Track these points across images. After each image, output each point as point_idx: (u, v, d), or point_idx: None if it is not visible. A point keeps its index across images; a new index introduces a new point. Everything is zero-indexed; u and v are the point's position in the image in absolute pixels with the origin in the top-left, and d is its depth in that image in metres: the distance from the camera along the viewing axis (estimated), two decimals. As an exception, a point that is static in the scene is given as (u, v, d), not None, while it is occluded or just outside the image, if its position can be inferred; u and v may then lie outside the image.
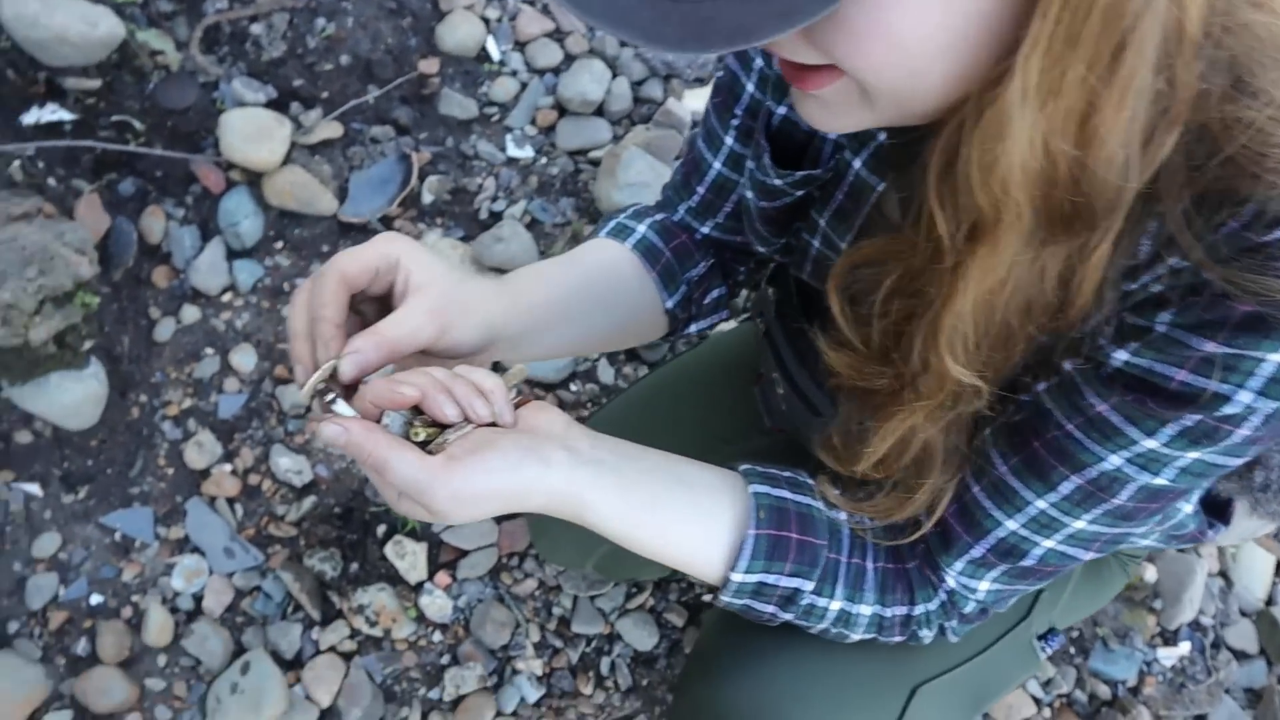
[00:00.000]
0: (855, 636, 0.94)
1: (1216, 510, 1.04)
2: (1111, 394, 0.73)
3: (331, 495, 1.84)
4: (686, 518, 0.87)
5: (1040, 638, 1.18)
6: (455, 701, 1.71)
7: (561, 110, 2.18)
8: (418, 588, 1.78)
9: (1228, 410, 0.67)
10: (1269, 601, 1.88)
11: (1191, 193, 0.64)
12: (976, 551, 0.87)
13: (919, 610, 0.92)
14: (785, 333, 1.12)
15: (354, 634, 1.75)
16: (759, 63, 1.03)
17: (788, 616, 0.92)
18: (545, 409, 0.85)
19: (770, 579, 0.88)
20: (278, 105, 2.07)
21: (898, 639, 0.95)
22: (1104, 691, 1.78)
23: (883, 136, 0.89)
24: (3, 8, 1.82)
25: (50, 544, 1.78)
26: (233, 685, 1.67)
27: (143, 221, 1.98)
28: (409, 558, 1.77)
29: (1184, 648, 1.82)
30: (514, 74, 2.21)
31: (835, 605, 0.90)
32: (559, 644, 1.76)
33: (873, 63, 0.61)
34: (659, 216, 1.18)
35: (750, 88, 1.05)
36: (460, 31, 2.17)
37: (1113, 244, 0.66)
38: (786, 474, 0.94)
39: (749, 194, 1.05)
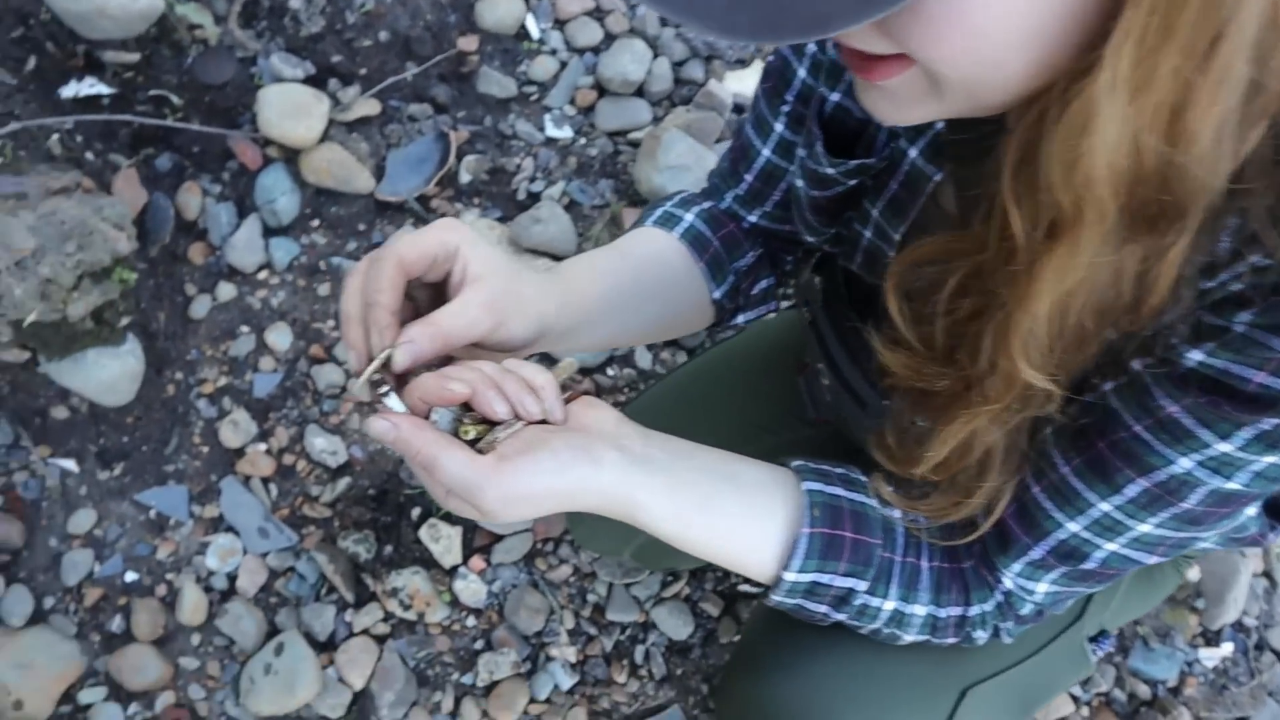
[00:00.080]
0: (908, 638, 0.92)
1: (1277, 512, 1.01)
2: (1184, 395, 0.70)
3: (366, 477, 1.83)
4: (739, 517, 0.86)
5: (1091, 640, 1.16)
6: (489, 687, 1.70)
7: (601, 90, 2.15)
8: (452, 572, 1.77)
9: None
10: (1315, 603, 1.85)
11: (1278, 189, 0.61)
12: (1036, 553, 0.85)
13: (974, 611, 0.90)
14: (833, 324, 1.10)
15: (387, 617, 1.74)
16: (811, 47, 1.00)
17: (840, 617, 0.90)
18: (596, 405, 0.83)
19: (824, 578, 0.87)
20: (316, 81, 2.05)
21: (951, 640, 0.93)
22: (1144, 691, 1.75)
23: (940, 125, 0.87)
24: (43, -20, 1.81)
25: (86, 520, 1.78)
26: (266, 666, 1.66)
27: (179, 197, 1.97)
28: (443, 541, 1.76)
29: (1226, 648, 1.79)
30: (553, 53, 2.19)
31: (889, 605, 0.89)
32: (593, 631, 1.75)
33: (949, 53, 0.59)
34: (706, 205, 1.16)
35: (802, 73, 1.02)
36: (500, 9, 2.15)
37: (1191, 240, 0.64)
38: (839, 470, 0.92)
39: (799, 182, 1.03)
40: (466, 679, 1.72)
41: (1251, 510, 0.97)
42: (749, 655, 1.14)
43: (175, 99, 1.97)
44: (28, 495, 1.77)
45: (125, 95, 1.94)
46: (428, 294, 0.87)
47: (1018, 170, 0.65)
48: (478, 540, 1.79)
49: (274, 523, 1.79)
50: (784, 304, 1.50)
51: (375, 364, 0.78)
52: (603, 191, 2.05)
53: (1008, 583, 0.89)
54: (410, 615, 1.73)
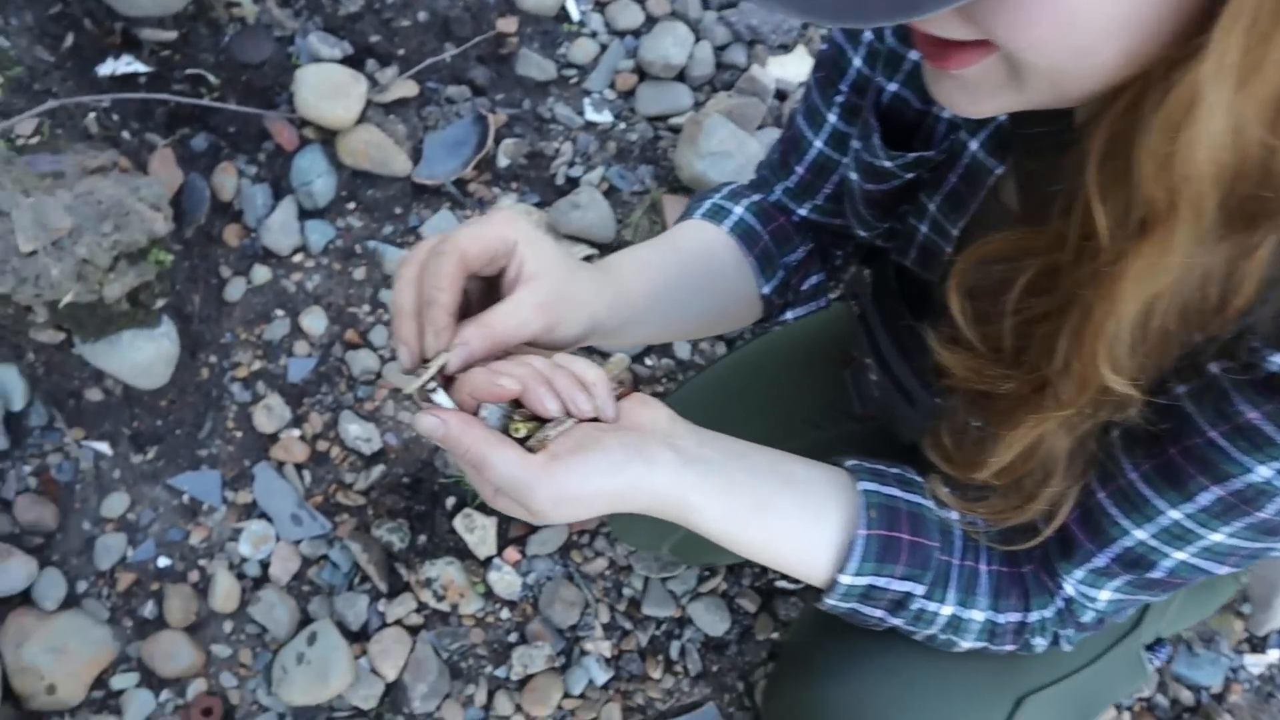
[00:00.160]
0: (965, 644, 0.90)
1: None
2: (1265, 401, 0.67)
3: (400, 465, 1.81)
4: (794, 518, 0.83)
5: (1147, 648, 1.13)
6: (522, 681, 1.69)
7: (642, 74, 2.12)
8: (486, 563, 1.75)
9: None
10: (1366, 609, 1.80)
11: None
12: (1100, 560, 0.83)
13: (1034, 618, 0.88)
14: (882, 318, 1.07)
15: (421, 608, 1.72)
16: (868, 35, 0.98)
17: (896, 621, 0.88)
18: (648, 403, 0.81)
19: (881, 582, 0.84)
20: (353, 62, 2.03)
21: (1010, 648, 0.90)
22: (1187, 697, 1.72)
23: (1003, 116, 0.83)
24: (81, -43, 1.79)
25: (119, 504, 1.77)
26: (299, 655, 1.65)
27: (215, 178, 1.96)
28: (478, 532, 1.74)
29: (1273, 655, 1.75)
30: (593, 35, 2.16)
31: (947, 610, 0.86)
32: (628, 626, 1.73)
33: (1039, 39, 0.56)
34: (755, 197, 1.13)
35: (858, 62, 0.99)
36: (540, -10, 2.12)
37: (1279, 239, 0.60)
38: (895, 470, 0.90)
39: (853, 176, 1.00)
40: (500, 672, 1.70)
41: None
42: (798, 659, 1.11)
43: (212, 78, 1.95)
44: (61, 478, 1.76)
45: (162, 74, 1.93)
46: (479, 285, 0.84)
47: (1104, 164, 0.62)
48: (513, 531, 1.77)
49: (307, 510, 1.77)
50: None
51: (432, 369, 0.76)
52: (642, 177, 2.02)
53: (1069, 589, 0.87)
54: (444, 606, 1.71)
